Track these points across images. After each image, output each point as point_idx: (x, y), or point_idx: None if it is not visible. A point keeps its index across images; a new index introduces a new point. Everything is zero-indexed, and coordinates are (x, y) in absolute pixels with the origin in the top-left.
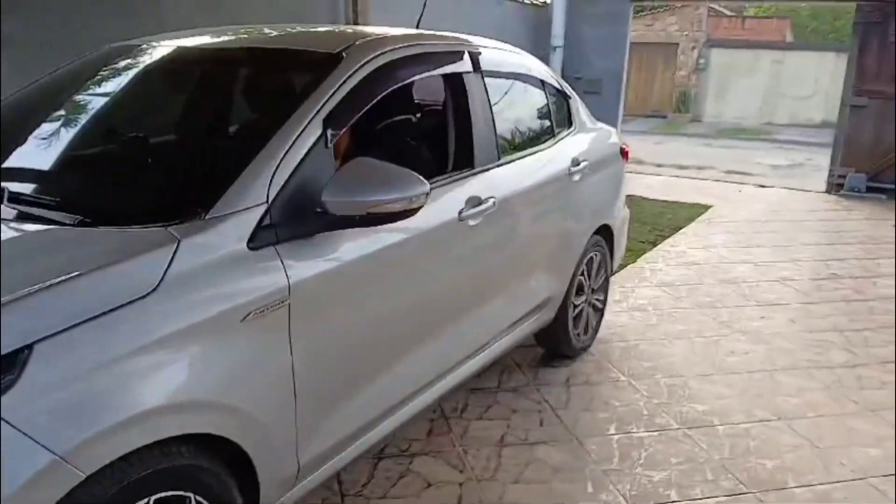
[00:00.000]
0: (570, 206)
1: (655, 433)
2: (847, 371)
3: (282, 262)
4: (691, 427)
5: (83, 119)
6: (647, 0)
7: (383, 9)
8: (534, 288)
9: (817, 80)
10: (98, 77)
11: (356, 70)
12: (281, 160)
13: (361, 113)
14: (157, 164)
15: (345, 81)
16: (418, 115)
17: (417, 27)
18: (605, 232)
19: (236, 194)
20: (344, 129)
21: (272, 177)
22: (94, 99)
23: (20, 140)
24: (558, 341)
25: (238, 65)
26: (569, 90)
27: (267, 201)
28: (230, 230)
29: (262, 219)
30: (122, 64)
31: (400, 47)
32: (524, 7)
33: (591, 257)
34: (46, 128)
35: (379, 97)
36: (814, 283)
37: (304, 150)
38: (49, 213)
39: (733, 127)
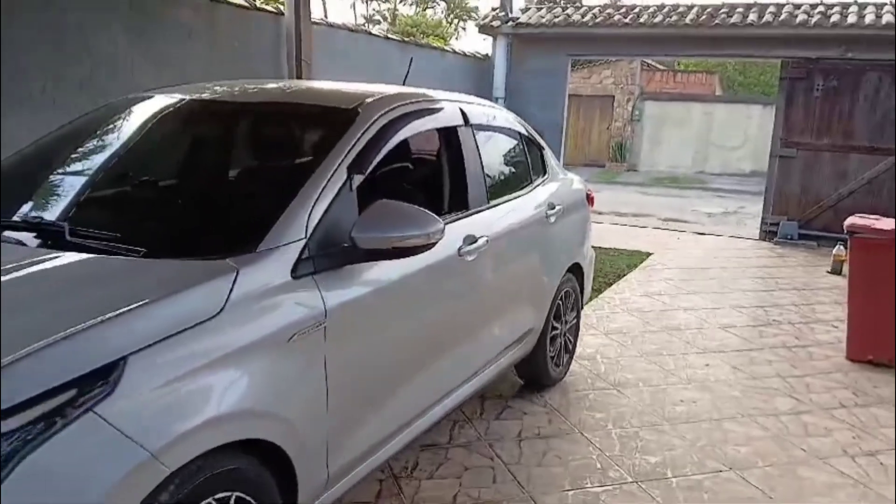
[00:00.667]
0: (547, 245)
1: (610, 487)
2: (792, 418)
3: (319, 290)
4: (645, 480)
5: (137, 162)
6: (583, 55)
7: (324, 66)
8: (519, 318)
9: (746, 132)
10: (145, 126)
11: (371, 124)
12: (315, 201)
13: (377, 160)
14: (211, 203)
15: (363, 134)
16: (420, 162)
17: (404, 83)
18: (576, 270)
19: (281, 230)
20: (364, 175)
21: (309, 215)
22: (147, 145)
23: (74, 179)
24: (538, 371)
25: (270, 116)
26: (541, 141)
27: (305, 236)
28: (277, 261)
29: (301, 252)
30: (162, 113)
31: (405, 104)
32: (466, 59)
33: (566, 292)
34: (103, 169)
35: (390, 147)
36: (755, 330)
37: (334, 193)
38: (109, 246)
39: (668, 176)
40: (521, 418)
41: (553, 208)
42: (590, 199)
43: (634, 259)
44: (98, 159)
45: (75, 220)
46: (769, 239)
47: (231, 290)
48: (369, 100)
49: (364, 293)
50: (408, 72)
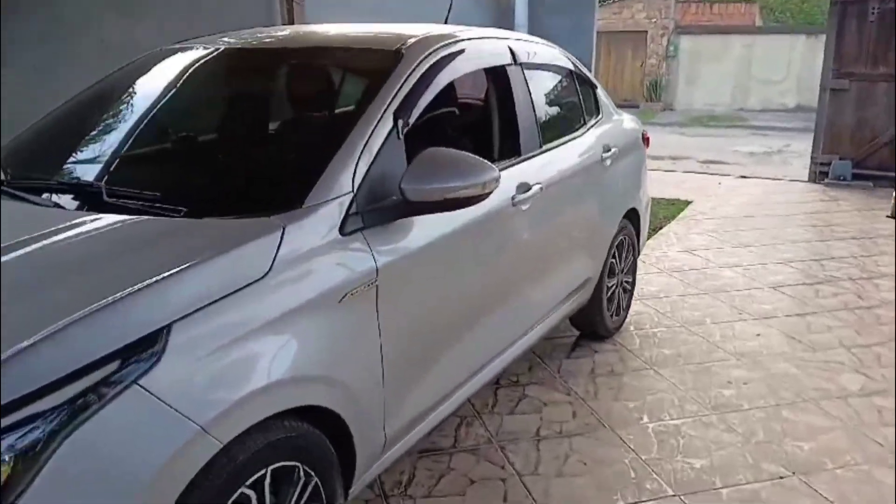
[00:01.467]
0: (603, 191)
1: (648, 502)
2: (863, 401)
3: (369, 247)
4: (688, 493)
5: (174, 118)
6: None
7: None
8: (575, 269)
9: (789, 64)
10: (178, 79)
11: (416, 66)
12: (361, 152)
13: (424, 105)
14: (252, 158)
15: (408, 77)
16: (468, 106)
17: (446, 23)
18: (632, 215)
19: (326, 184)
20: (411, 121)
21: (355, 167)
22: (182, 100)
23: (110, 138)
24: (594, 321)
25: (308, 64)
26: (593, 78)
27: (353, 190)
28: (324, 218)
29: (349, 207)
30: (194, 66)
31: (451, 42)
32: (478, 4)
33: (622, 240)
34: (139, 127)
35: (436, 90)
36: (810, 289)
37: (380, 142)
38: (149, 207)
39: (706, 114)
40: (541, 410)
41: (608, 151)
42: (645, 140)
43: (672, 209)
44: (133, 117)
45: (113, 180)
46: (819, 180)
47: (278, 250)
48: (412, 40)
49: (415, 249)
50: (449, 11)
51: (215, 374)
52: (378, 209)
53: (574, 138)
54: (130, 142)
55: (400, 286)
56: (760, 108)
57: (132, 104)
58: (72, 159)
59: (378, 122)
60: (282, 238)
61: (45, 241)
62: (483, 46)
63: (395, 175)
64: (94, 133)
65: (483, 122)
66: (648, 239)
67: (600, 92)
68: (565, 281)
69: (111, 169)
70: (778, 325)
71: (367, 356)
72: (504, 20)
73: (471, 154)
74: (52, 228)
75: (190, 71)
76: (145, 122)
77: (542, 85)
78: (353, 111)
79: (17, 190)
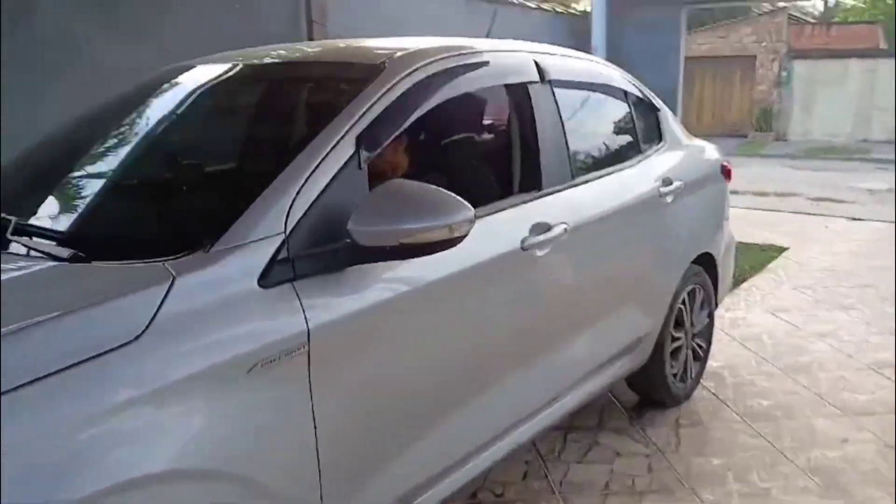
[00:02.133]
0: (661, 232)
1: None
2: None
3: (300, 302)
4: None
5: (86, 148)
6: (702, 1)
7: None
8: (620, 327)
9: None
10: (110, 105)
11: (398, 82)
12: (303, 184)
13: (403, 130)
14: (164, 192)
15: (384, 94)
16: (476, 131)
17: (487, 37)
18: (706, 261)
19: (247, 224)
20: (381, 148)
21: (292, 203)
22: (101, 126)
23: (39, 173)
24: (654, 387)
25: (263, 81)
26: (657, 101)
27: (284, 231)
28: (236, 265)
29: (277, 251)
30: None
31: (453, 56)
32: (556, 16)
33: (692, 290)
34: (63, 158)
35: (425, 112)
36: None
37: (333, 173)
38: (50, 247)
39: (823, 146)
40: (612, 461)
41: (670, 184)
42: (726, 172)
43: (763, 257)
44: (61, 148)
45: (25, 214)
46: None
47: (161, 305)
48: (402, 52)
49: (374, 305)
50: (491, 25)
51: (60, 461)
52: (317, 255)
53: (623, 169)
54: (51, 174)
55: (348, 353)
56: (885, 138)
57: (68, 134)
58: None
59: (333, 147)
60: (169, 290)
61: None
62: (500, 61)
63: (350, 212)
64: (39, 167)
65: (495, 150)
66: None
67: (666, 115)
68: (604, 342)
69: (24, 202)
70: (874, 427)
71: (297, 445)
72: (579, 42)
73: (441, 189)
74: None
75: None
76: (59, 153)
77: (580, 107)
78: (303, 136)
79: None
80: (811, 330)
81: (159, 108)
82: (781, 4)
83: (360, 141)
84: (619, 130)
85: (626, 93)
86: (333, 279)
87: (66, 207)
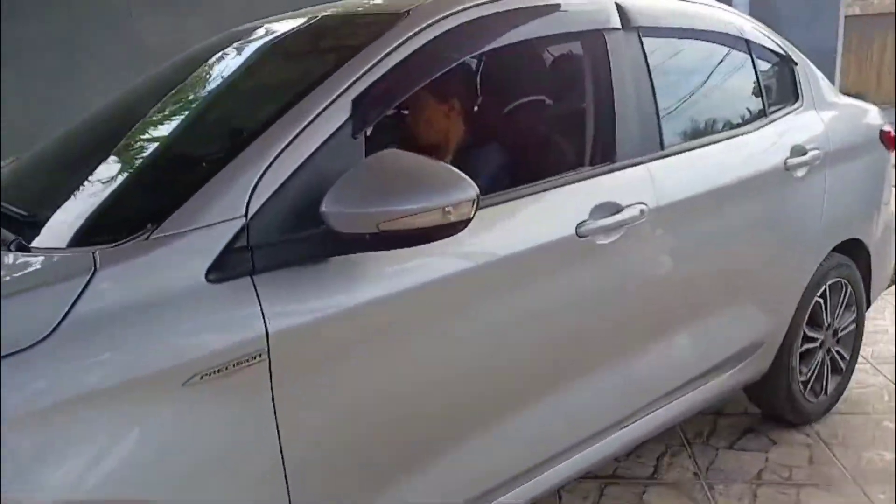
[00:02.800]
0: (788, 213)
1: None
2: None
3: (258, 301)
4: None
5: (71, 131)
6: None
7: None
8: (724, 331)
9: None
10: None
11: (421, 30)
12: (276, 158)
13: (422, 89)
14: (116, 168)
15: (396, 48)
16: (534, 92)
17: None
18: (854, 249)
19: (198, 205)
20: (384, 114)
21: (258, 181)
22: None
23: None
24: (777, 401)
25: (265, 47)
26: (796, 54)
27: (245, 215)
28: (179, 255)
29: (233, 239)
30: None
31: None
32: None
33: (836, 285)
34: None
35: (454, 66)
36: None
37: (317, 143)
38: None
39: None
40: (767, 450)
41: (803, 154)
42: (887, 140)
43: None
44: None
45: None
46: None
47: (76, 302)
48: None
49: (359, 305)
50: None
51: None
52: (284, 244)
53: (736, 135)
54: (39, 160)
55: (324, 367)
56: None
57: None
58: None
59: (319, 113)
60: (87, 284)
61: None
62: (566, 2)
63: None
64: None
65: (555, 114)
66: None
67: (805, 70)
68: (701, 349)
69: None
70: None
71: (252, 475)
72: None
73: (438, 162)
74: None
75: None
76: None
77: (681, 61)
78: (285, 101)
79: None
80: None
81: (149, 88)
82: None
83: (357, 104)
84: (734, 89)
85: (748, 42)
86: (307, 273)
87: (31, 189)
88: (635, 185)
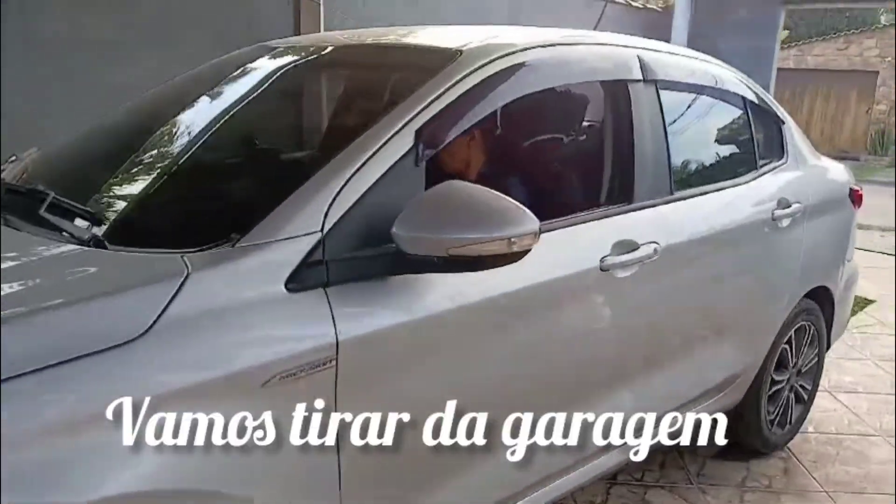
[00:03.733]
0: (771, 260)
1: None
2: None
3: (331, 310)
4: None
5: (125, 126)
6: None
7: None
8: (710, 363)
9: None
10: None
11: (472, 71)
12: (349, 179)
13: (475, 125)
14: (200, 178)
15: (454, 84)
16: (561, 132)
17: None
18: (821, 296)
19: (280, 219)
20: (443, 145)
21: (333, 199)
22: (151, 112)
23: (88, 154)
24: (746, 431)
25: (320, 67)
26: (782, 113)
27: (321, 230)
28: (263, 264)
29: (311, 252)
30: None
31: (539, 46)
32: (630, 11)
33: (802, 327)
34: (109, 144)
35: (503, 107)
36: None
37: (384, 168)
38: (74, 227)
39: None
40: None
41: (787, 207)
42: (855, 198)
43: None
44: (106, 128)
45: (67, 191)
46: None
47: (170, 303)
48: (486, 39)
49: (418, 320)
50: (601, 16)
51: (35, 470)
52: (356, 260)
53: (732, 186)
54: (100, 156)
55: (381, 375)
56: None
57: (121, 118)
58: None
59: (389, 139)
60: (181, 286)
61: None
62: (596, 55)
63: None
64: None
65: (579, 154)
66: None
67: (790, 129)
68: (690, 379)
69: (67, 180)
70: None
71: (313, 471)
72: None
73: (504, 196)
74: None
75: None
76: (117, 136)
77: (689, 113)
78: (357, 126)
79: None
80: (875, 423)
81: (213, 95)
82: None
83: (420, 134)
84: (732, 142)
85: (744, 100)
86: (373, 288)
87: (101, 189)
88: (649, 225)
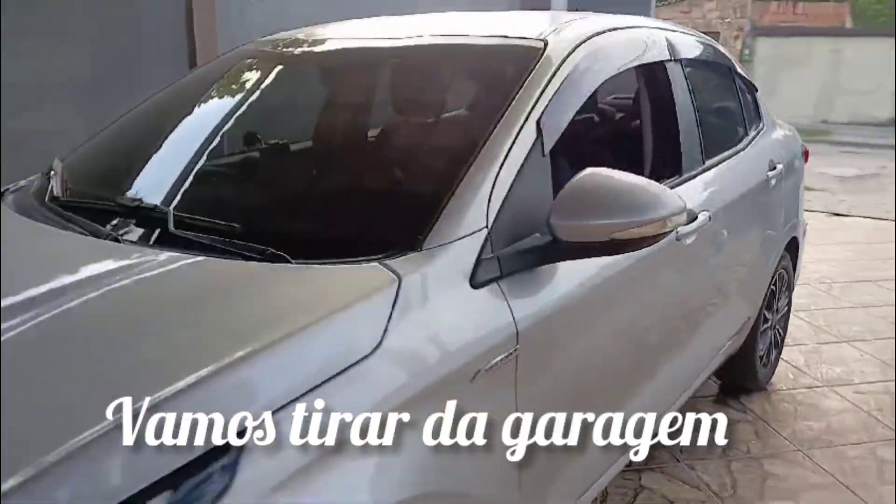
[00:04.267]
0: (768, 217)
1: None
2: None
3: (507, 303)
4: None
5: (255, 131)
6: None
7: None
8: (735, 311)
9: (883, 72)
10: (258, 86)
11: (565, 59)
12: (498, 172)
13: (572, 112)
14: (357, 180)
15: (555, 73)
16: (626, 112)
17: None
18: (790, 246)
19: (453, 217)
20: (559, 132)
21: (491, 194)
22: (265, 109)
23: (182, 153)
24: (744, 372)
25: (424, 64)
26: (751, 80)
27: (487, 226)
28: (450, 264)
29: (482, 248)
30: (278, 68)
31: (603, 32)
32: None
33: (781, 274)
34: (218, 137)
35: (587, 92)
36: None
37: (521, 159)
38: (224, 243)
39: None
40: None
41: (774, 168)
42: (805, 155)
43: None
44: (208, 128)
45: (182, 205)
46: None
47: (392, 312)
48: (557, 28)
49: (565, 302)
50: None
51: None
52: (518, 252)
53: (738, 152)
54: (205, 158)
55: (546, 353)
56: (847, 120)
57: (209, 113)
58: (134, 179)
59: (518, 132)
60: (397, 294)
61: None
62: (638, 37)
63: (538, 204)
64: (163, 146)
65: (635, 132)
66: None
67: (760, 96)
68: (726, 325)
69: (180, 192)
70: None
71: (503, 453)
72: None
73: (644, 178)
74: (107, 268)
75: (268, 77)
76: (223, 134)
77: (701, 86)
78: (482, 118)
79: (67, 210)
80: (816, 375)
81: (323, 91)
82: None
83: (540, 126)
84: (731, 110)
85: (730, 69)
86: (530, 277)
87: (228, 198)
88: (697, 195)
